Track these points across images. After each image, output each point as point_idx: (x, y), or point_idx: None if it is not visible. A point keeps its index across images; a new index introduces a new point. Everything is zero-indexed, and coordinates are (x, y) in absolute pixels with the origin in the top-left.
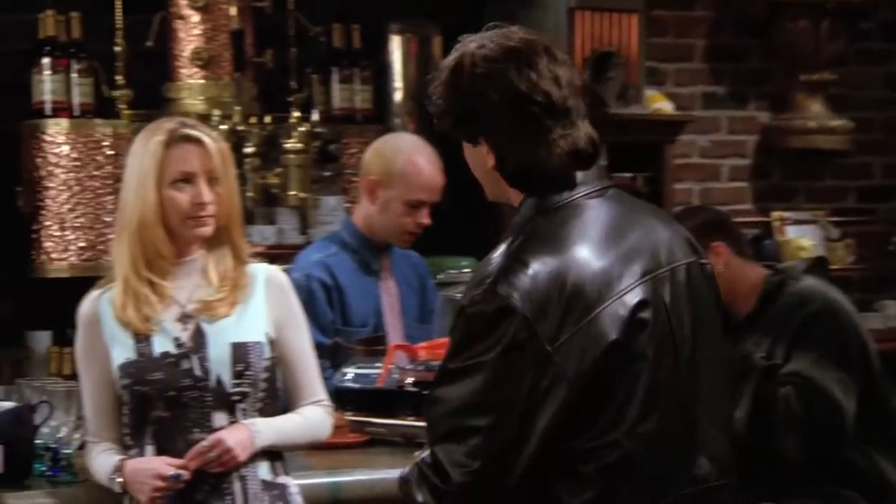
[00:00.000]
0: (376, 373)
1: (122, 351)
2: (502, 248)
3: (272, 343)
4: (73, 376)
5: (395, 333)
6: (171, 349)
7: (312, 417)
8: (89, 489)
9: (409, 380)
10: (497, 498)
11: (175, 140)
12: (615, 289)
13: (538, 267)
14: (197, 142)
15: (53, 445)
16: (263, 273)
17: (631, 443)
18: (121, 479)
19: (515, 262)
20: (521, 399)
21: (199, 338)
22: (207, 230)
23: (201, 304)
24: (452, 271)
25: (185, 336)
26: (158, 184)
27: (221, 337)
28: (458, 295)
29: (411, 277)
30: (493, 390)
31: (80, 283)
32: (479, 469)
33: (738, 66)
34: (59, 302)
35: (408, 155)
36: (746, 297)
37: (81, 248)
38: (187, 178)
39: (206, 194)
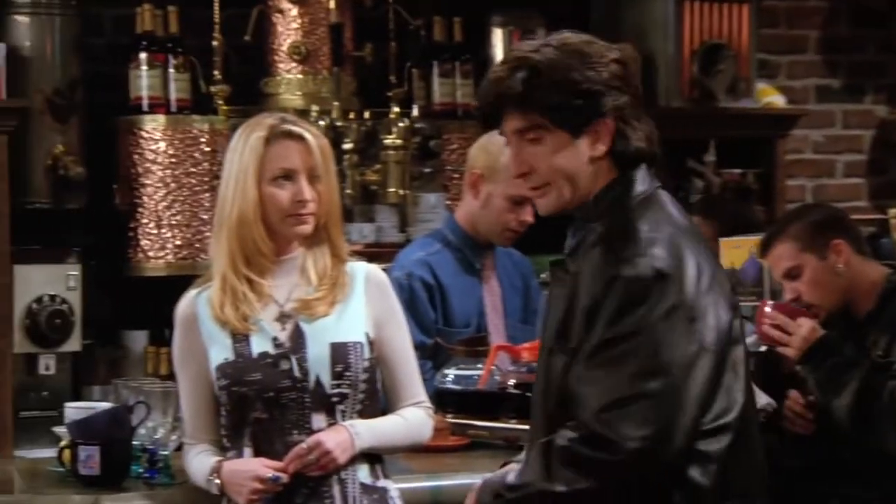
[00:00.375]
0: (478, 374)
1: (219, 351)
2: (627, 220)
3: (372, 343)
4: (170, 376)
5: (497, 334)
6: (270, 349)
7: (413, 419)
8: (186, 491)
9: (512, 381)
10: (662, 470)
11: (276, 136)
12: (718, 271)
13: (673, 239)
14: (298, 138)
15: (150, 447)
16: (363, 271)
17: (742, 426)
18: (218, 481)
19: (655, 233)
20: (679, 365)
21: (297, 338)
22: (307, 228)
23: (300, 304)
24: None
25: (283, 336)
26: (258, 180)
27: (321, 337)
28: None
29: (515, 277)
30: (659, 353)
31: (177, 282)
32: (652, 435)
33: (853, 58)
34: (155, 301)
35: None
36: (867, 296)
37: (178, 246)
38: (288, 175)
39: (307, 192)
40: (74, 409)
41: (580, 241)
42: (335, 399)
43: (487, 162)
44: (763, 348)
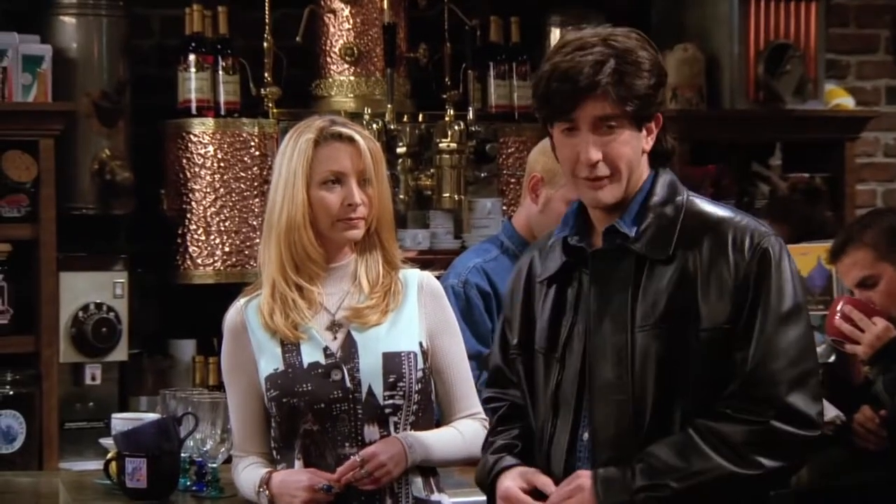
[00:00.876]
0: None
1: (269, 361)
2: (710, 206)
3: (426, 353)
4: (219, 387)
5: None
6: (321, 359)
7: (468, 432)
8: None
9: None
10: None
11: (326, 138)
12: None
13: None
14: (349, 140)
15: (198, 459)
16: (416, 279)
17: None
18: (268, 493)
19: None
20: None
21: (349, 347)
22: (358, 233)
23: (352, 312)
24: None
25: (334, 346)
26: (307, 184)
27: (373, 346)
28: None
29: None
30: (812, 329)
31: (226, 290)
32: (821, 412)
33: None
34: (204, 309)
35: None
36: None
37: (227, 253)
38: (338, 178)
39: (357, 195)
40: (121, 421)
41: (647, 227)
42: (388, 410)
43: (547, 165)
44: (832, 359)
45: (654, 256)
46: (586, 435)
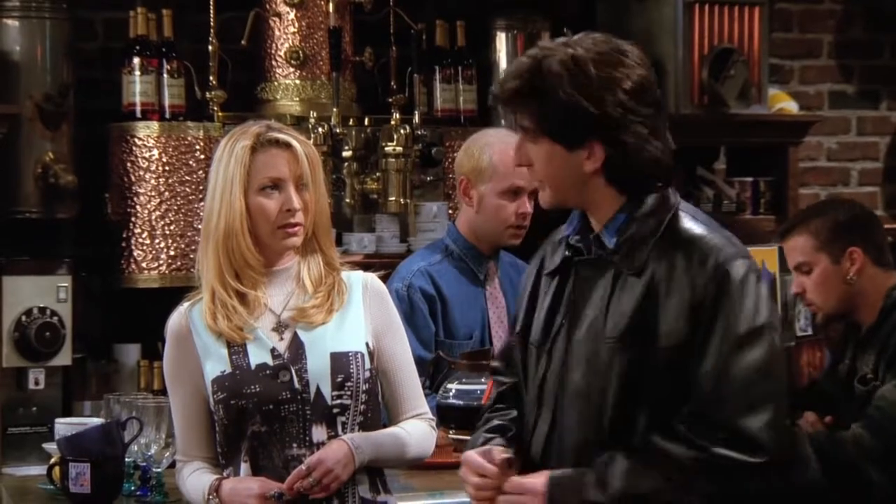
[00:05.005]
0: (481, 388)
1: (215, 364)
2: (691, 223)
3: (372, 353)
4: (164, 391)
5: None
6: (268, 360)
7: (415, 432)
8: None
9: None
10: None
11: (262, 144)
12: None
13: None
14: (285, 146)
15: (143, 464)
16: (360, 280)
17: None
18: (217, 500)
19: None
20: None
21: (296, 348)
22: (297, 240)
23: (297, 312)
24: None
25: (281, 346)
26: (245, 190)
27: (320, 346)
28: None
29: (519, 287)
30: (778, 352)
31: (171, 294)
32: (782, 437)
33: (868, 63)
34: (148, 314)
35: (495, 146)
36: (873, 308)
37: (172, 256)
38: (276, 185)
39: (296, 200)
40: (65, 425)
41: (626, 240)
42: (336, 410)
43: (471, 164)
44: None
45: (627, 269)
46: (561, 433)
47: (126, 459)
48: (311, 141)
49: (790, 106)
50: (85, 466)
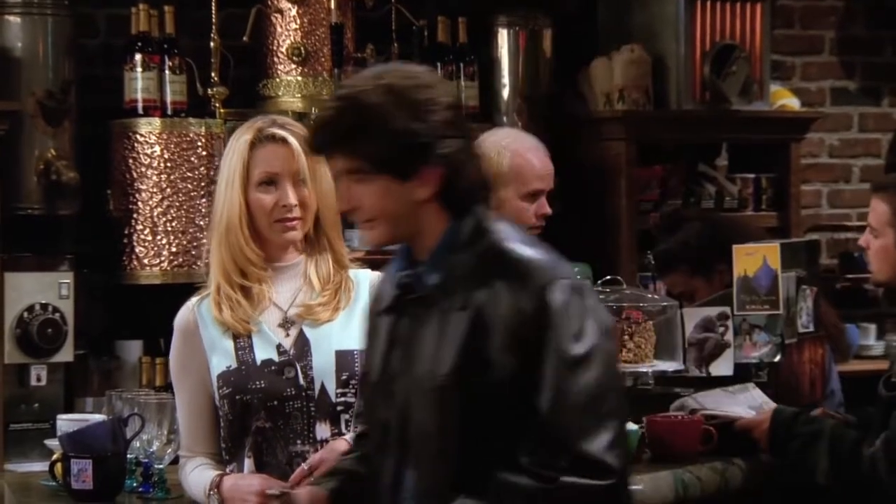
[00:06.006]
0: None
1: (221, 359)
2: (511, 244)
3: None
4: (166, 388)
5: None
6: (274, 356)
7: None
8: None
9: None
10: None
11: (261, 140)
12: None
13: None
14: (282, 141)
15: (145, 460)
16: (367, 278)
17: None
18: (218, 496)
19: (543, 251)
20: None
21: (302, 345)
22: (296, 234)
23: (304, 309)
24: None
25: (287, 343)
26: (244, 185)
27: (325, 344)
28: None
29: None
30: (611, 369)
31: (173, 290)
32: (623, 454)
33: (870, 60)
34: (150, 310)
35: (512, 149)
36: None
37: (174, 253)
38: (272, 180)
39: (291, 196)
40: (67, 422)
41: (447, 275)
42: (340, 408)
43: (489, 169)
44: (777, 358)
45: (452, 305)
46: (409, 476)
47: (128, 456)
48: None
49: (792, 102)
50: (87, 463)
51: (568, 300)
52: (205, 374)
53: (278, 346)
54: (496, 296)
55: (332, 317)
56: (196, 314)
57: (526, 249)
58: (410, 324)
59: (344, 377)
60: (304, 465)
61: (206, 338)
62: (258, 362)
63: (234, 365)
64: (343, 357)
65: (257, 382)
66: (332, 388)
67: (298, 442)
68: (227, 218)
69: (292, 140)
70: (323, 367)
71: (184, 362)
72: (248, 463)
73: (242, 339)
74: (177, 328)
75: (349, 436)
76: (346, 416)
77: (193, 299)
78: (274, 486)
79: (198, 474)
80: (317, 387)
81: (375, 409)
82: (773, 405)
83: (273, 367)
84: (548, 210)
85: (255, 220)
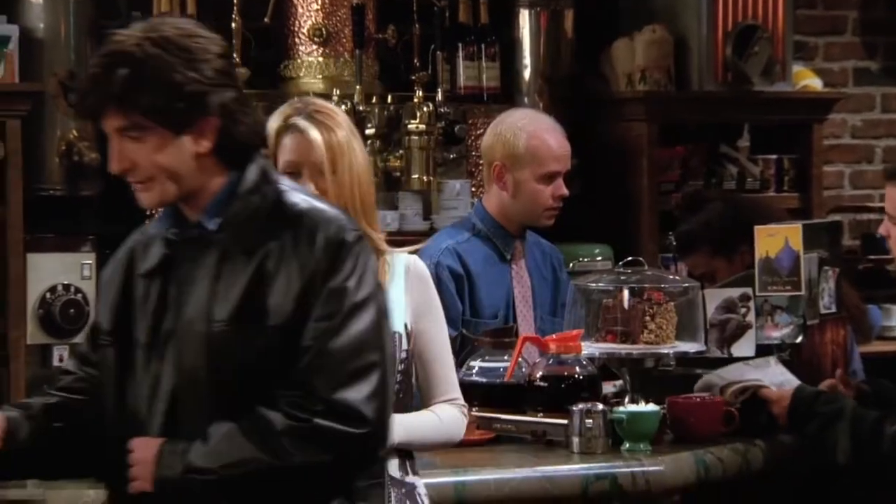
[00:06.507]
0: (504, 366)
1: None
2: (297, 196)
3: (409, 335)
4: None
5: (526, 325)
6: None
7: (447, 417)
8: None
9: (539, 374)
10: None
11: (286, 129)
12: None
13: None
14: (303, 133)
15: None
16: (403, 262)
17: None
18: None
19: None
20: (389, 334)
21: None
22: None
23: None
24: (585, 259)
25: None
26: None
27: None
28: (592, 284)
29: (544, 268)
30: (381, 322)
31: None
32: (383, 407)
33: (893, 40)
34: None
35: (529, 131)
36: None
37: None
38: (294, 170)
39: (310, 188)
40: None
41: (232, 218)
42: None
43: (506, 151)
44: (799, 339)
45: (235, 249)
46: (181, 426)
47: None
48: None
49: (814, 83)
50: None
51: (355, 246)
52: None
53: None
54: (282, 245)
55: None
56: None
57: (311, 201)
58: (183, 277)
59: None
60: None
61: None
62: None
63: None
64: None
65: None
66: None
67: None
68: None
69: (313, 133)
70: None
71: None
72: None
73: None
74: None
75: None
76: None
77: None
78: None
79: None
80: None
81: (138, 368)
82: (795, 382)
83: None
84: (565, 191)
85: None
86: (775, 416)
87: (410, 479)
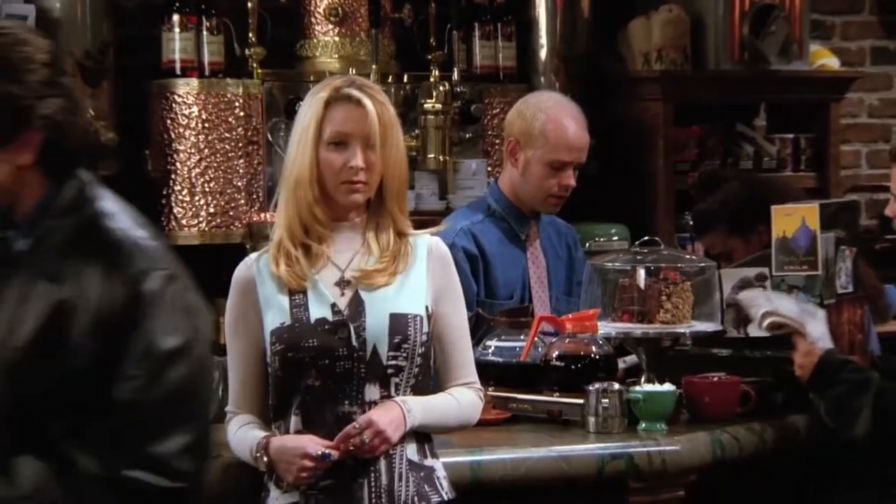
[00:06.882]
0: (520, 346)
1: (276, 316)
2: (114, 222)
3: (430, 317)
4: None
5: (541, 306)
6: (328, 315)
7: (464, 401)
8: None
9: (555, 353)
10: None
11: (337, 99)
12: None
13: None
14: (357, 103)
15: None
16: (426, 244)
17: None
18: (266, 459)
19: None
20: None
21: (356, 306)
22: (359, 197)
23: (361, 273)
24: (601, 239)
25: (342, 302)
26: (316, 143)
27: (380, 306)
28: (608, 264)
29: (559, 247)
30: (200, 370)
31: (211, 251)
32: (200, 458)
33: None
34: (188, 270)
35: (549, 113)
36: None
37: (211, 213)
38: (343, 140)
39: (359, 159)
40: None
41: (39, 242)
42: (390, 371)
43: (523, 128)
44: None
45: (40, 272)
46: None
47: None
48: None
49: (831, 62)
50: None
51: (163, 291)
52: (258, 331)
53: (333, 306)
54: (88, 276)
55: (389, 281)
56: (255, 270)
57: (128, 230)
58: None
59: (396, 340)
60: (355, 424)
61: (262, 294)
62: (312, 320)
63: (288, 322)
64: (397, 320)
65: (310, 340)
66: (383, 351)
67: (347, 402)
68: (297, 174)
69: (367, 103)
70: (376, 329)
71: (238, 318)
72: (296, 421)
73: (297, 297)
74: (234, 283)
75: (400, 398)
76: (396, 380)
77: (253, 255)
78: (321, 447)
79: (244, 433)
80: (368, 348)
81: None
82: (828, 344)
83: (326, 327)
84: (572, 182)
85: (323, 178)
86: (795, 367)
87: (429, 461)
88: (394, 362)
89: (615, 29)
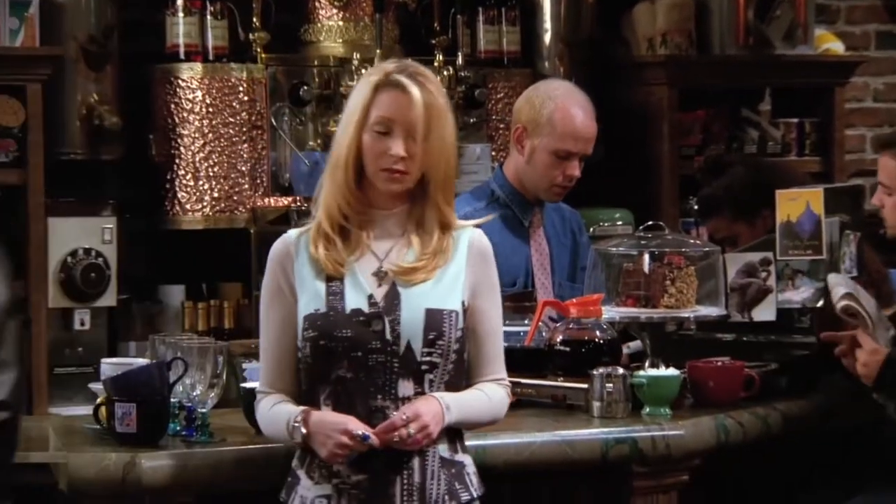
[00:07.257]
0: (524, 330)
1: (311, 301)
2: None
3: (466, 311)
4: (208, 332)
5: (544, 293)
6: (364, 307)
7: (495, 398)
8: (225, 450)
9: (559, 338)
10: None
11: (386, 84)
12: None
13: None
14: (404, 90)
15: (188, 404)
16: (467, 237)
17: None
18: (304, 429)
19: None
20: None
21: (392, 299)
22: (398, 186)
23: (399, 269)
24: (605, 224)
25: (379, 294)
26: (360, 126)
27: (416, 301)
28: (612, 249)
29: (563, 233)
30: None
31: (215, 236)
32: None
33: None
34: (192, 255)
35: (558, 102)
36: None
37: (215, 198)
38: (386, 126)
39: (400, 147)
40: (110, 366)
41: None
42: (425, 367)
43: (530, 115)
44: (820, 303)
45: None
46: None
47: (171, 400)
48: (355, 83)
49: (836, 46)
50: (131, 406)
51: None
52: (293, 309)
53: (370, 297)
54: None
55: (427, 277)
56: (294, 247)
57: None
58: None
59: (431, 336)
60: (402, 415)
61: (298, 272)
62: (347, 310)
63: (323, 309)
64: (432, 315)
65: (344, 331)
66: (418, 347)
67: (379, 397)
68: (338, 156)
69: (415, 91)
70: (411, 323)
71: (274, 293)
72: (326, 409)
73: (335, 284)
74: (271, 258)
75: (437, 394)
76: (430, 376)
77: (293, 232)
78: (362, 428)
79: (279, 408)
80: (402, 343)
81: None
82: (892, 328)
83: (361, 318)
84: (576, 173)
85: (364, 163)
86: (857, 364)
87: (459, 457)
88: (428, 359)
89: (619, 13)
